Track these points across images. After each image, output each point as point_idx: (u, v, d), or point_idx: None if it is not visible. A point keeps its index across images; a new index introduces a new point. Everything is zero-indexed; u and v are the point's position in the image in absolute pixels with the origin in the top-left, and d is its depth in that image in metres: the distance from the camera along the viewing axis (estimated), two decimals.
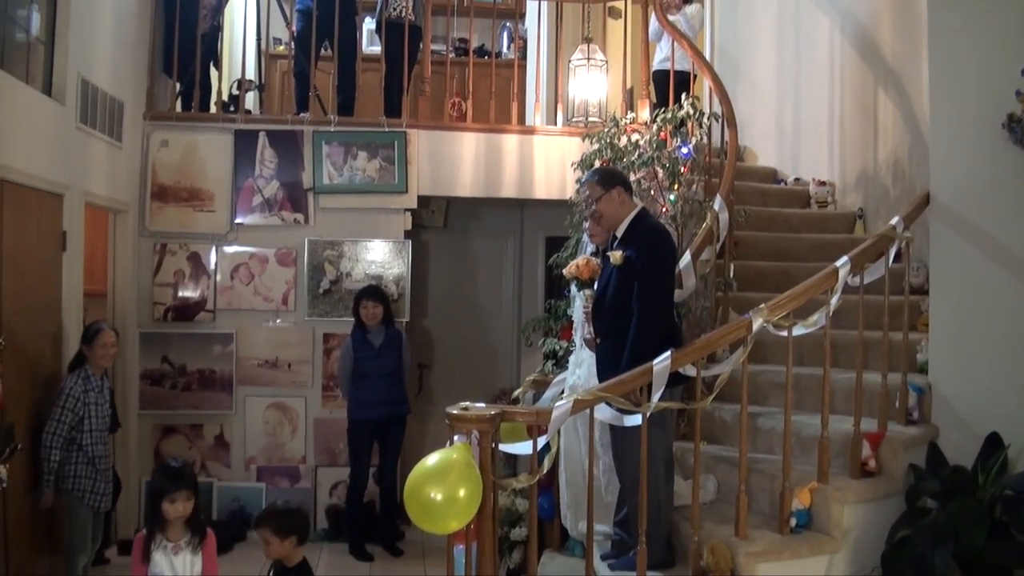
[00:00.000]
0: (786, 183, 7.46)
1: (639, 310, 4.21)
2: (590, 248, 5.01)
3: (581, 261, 4.89)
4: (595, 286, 4.64)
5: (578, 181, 6.30)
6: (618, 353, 4.25)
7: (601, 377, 4.34)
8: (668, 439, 4.43)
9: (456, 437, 3.71)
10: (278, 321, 7.31)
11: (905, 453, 4.44)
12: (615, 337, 4.33)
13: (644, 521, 3.93)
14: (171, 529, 4.06)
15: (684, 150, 5.87)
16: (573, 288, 5.06)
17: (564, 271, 5.05)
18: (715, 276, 5.64)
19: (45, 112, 5.47)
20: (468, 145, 7.52)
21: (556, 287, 6.96)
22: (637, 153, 5.96)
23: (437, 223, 8.53)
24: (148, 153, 7.16)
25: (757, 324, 4.09)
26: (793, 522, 4.18)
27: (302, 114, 7.47)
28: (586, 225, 4.69)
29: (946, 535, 3.94)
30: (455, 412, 3.73)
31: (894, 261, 4.80)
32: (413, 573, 6.32)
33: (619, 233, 4.46)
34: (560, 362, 5.79)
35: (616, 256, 4.34)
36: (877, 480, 4.37)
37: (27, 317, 5.18)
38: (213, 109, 7.44)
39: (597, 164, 6.13)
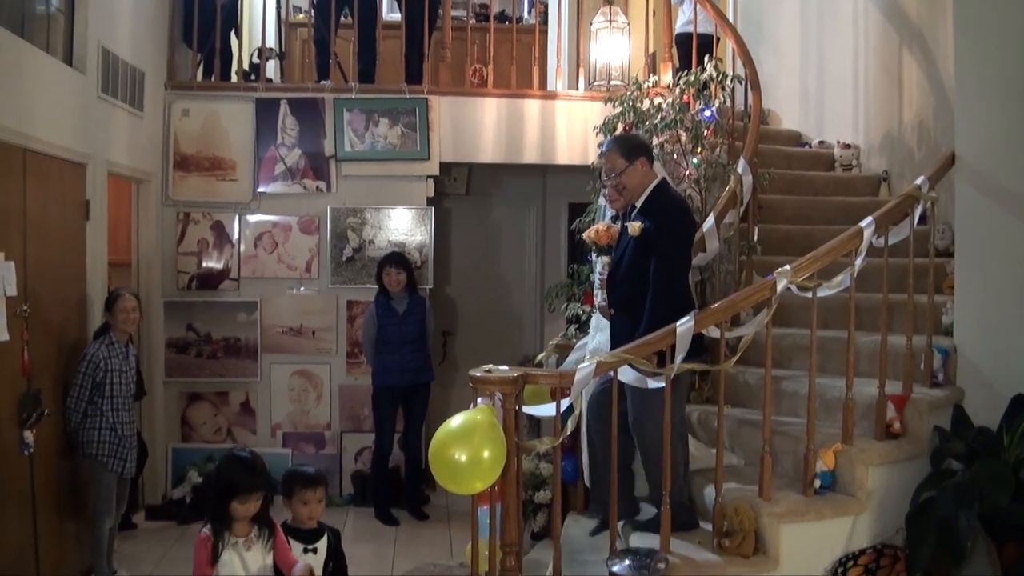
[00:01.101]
0: (810, 146, 7.40)
1: (655, 285, 4.18)
2: (609, 213, 4.97)
3: (601, 227, 4.87)
4: (612, 253, 4.61)
5: (600, 146, 6.28)
6: (631, 326, 4.23)
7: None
8: (682, 404, 4.41)
9: (479, 399, 3.72)
10: (302, 289, 7.34)
11: (930, 415, 4.41)
12: (628, 309, 4.31)
13: (668, 482, 3.94)
14: (238, 525, 3.64)
15: (707, 113, 5.84)
16: (593, 254, 5.04)
17: (584, 235, 5.02)
18: (739, 240, 5.61)
19: (66, 82, 5.48)
20: (489, 111, 7.50)
21: (579, 252, 6.96)
22: (660, 116, 5.93)
23: (459, 190, 8.52)
24: (170, 123, 7.18)
25: (781, 285, 4.06)
26: (817, 484, 4.18)
27: (323, 82, 7.47)
28: (605, 190, 4.64)
29: (971, 496, 3.92)
30: (478, 374, 3.74)
31: (919, 223, 4.75)
32: (438, 536, 6.36)
33: (638, 203, 4.40)
34: (583, 326, 5.79)
35: (634, 227, 4.30)
36: (902, 442, 4.35)
37: (52, 286, 5.22)
38: (234, 78, 7.44)
39: (620, 128, 6.10)
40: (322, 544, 4.00)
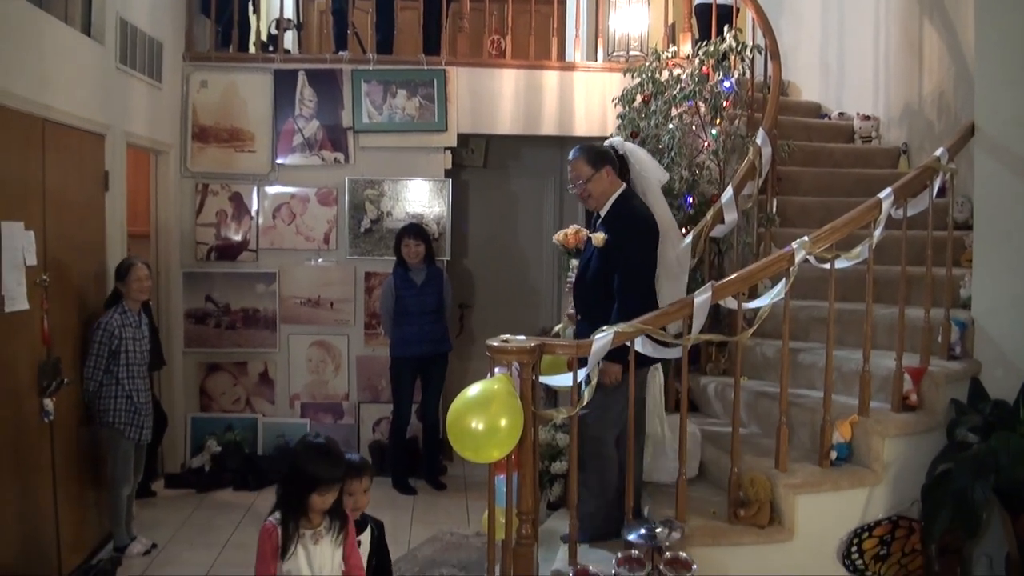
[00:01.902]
0: (830, 118, 7.35)
1: (620, 298, 4.17)
2: None
3: (570, 230, 4.88)
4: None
5: (620, 117, 6.27)
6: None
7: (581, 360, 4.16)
8: (625, 410, 4.23)
9: (497, 369, 3.74)
10: (320, 260, 7.37)
11: (947, 388, 4.40)
12: (592, 319, 4.28)
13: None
14: (308, 517, 3.34)
15: (726, 84, 5.81)
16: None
17: (554, 237, 5.03)
18: (757, 212, 5.60)
19: (85, 52, 5.50)
20: (507, 82, 7.48)
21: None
22: (679, 87, 5.91)
23: (477, 163, 8.50)
24: (188, 94, 7.19)
25: (800, 256, 4.06)
26: (833, 455, 4.19)
27: (341, 53, 7.46)
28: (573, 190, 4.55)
29: (987, 468, 3.91)
30: (496, 344, 3.75)
31: (938, 196, 4.72)
32: (455, 506, 6.41)
33: (603, 212, 4.42)
34: None
35: (598, 238, 4.30)
36: (918, 414, 4.34)
37: (71, 256, 5.26)
38: (252, 49, 7.44)
39: (639, 99, 6.08)
40: (365, 537, 3.80)
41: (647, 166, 4.52)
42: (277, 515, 3.31)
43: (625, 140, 5.95)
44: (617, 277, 4.20)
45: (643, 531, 3.76)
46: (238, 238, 7.30)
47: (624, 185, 4.42)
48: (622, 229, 4.27)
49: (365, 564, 3.69)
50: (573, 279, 4.71)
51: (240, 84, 7.26)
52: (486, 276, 8.57)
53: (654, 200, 4.45)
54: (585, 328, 4.27)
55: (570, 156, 4.46)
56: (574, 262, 4.68)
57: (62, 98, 5.10)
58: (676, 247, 4.58)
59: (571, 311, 4.78)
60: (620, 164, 4.45)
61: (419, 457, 7.10)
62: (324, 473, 3.27)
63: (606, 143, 4.60)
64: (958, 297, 4.86)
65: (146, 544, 5.55)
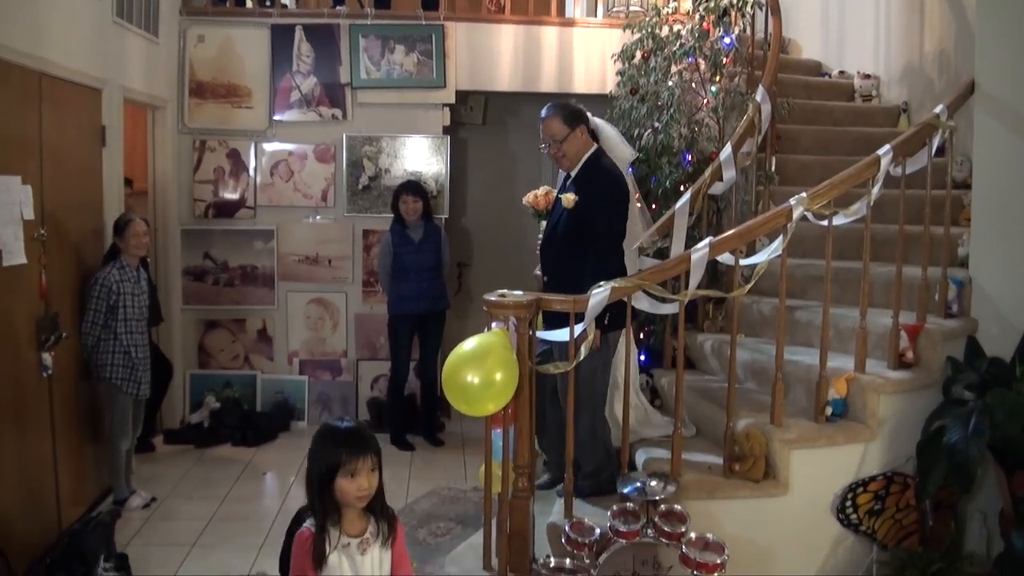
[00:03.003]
0: (830, 76, 7.31)
1: (590, 261, 4.16)
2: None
3: (540, 192, 4.84)
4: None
5: (619, 74, 6.24)
6: None
7: (548, 323, 4.16)
8: (607, 371, 4.36)
9: (494, 324, 3.75)
10: (318, 218, 7.36)
11: (943, 345, 4.42)
12: (559, 280, 4.29)
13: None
14: (349, 519, 2.81)
15: (726, 40, 5.78)
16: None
17: (524, 200, 4.99)
18: (756, 169, 5.58)
19: (81, 6, 5.45)
20: (506, 38, 7.43)
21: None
22: (679, 43, 5.88)
23: (476, 120, 8.46)
24: (185, 49, 7.15)
25: (798, 212, 4.05)
26: (829, 411, 4.21)
27: (338, 7, 7.41)
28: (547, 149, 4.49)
29: (982, 425, 3.90)
30: (492, 299, 3.76)
31: (937, 155, 4.70)
32: (453, 462, 6.44)
33: (573, 172, 4.40)
34: None
35: (568, 199, 4.28)
36: (914, 371, 4.36)
37: (69, 211, 5.23)
38: (249, 3, 7.38)
39: (638, 56, 6.05)
40: None
41: (615, 142, 4.53)
42: (312, 520, 2.81)
43: (628, 94, 5.95)
44: (589, 238, 4.19)
45: (638, 484, 3.79)
46: (236, 195, 7.28)
47: (595, 145, 4.40)
48: (594, 191, 4.25)
49: None
50: (541, 241, 4.68)
51: (237, 39, 7.21)
52: (485, 234, 8.54)
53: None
54: (553, 290, 4.25)
55: (543, 114, 4.40)
56: (543, 224, 4.63)
57: (59, 52, 5.06)
58: (637, 225, 4.57)
59: (538, 272, 4.76)
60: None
61: (417, 414, 7.13)
62: (341, 449, 2.75)
63: None
64: (956, 256, 4.87)
65: (145, 498, 5.59)
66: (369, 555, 2.83)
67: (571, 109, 4.40)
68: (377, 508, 2.86)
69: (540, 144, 4.50)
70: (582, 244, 4.18)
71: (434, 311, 6.88)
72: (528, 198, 4.88)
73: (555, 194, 4.70)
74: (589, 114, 4.50)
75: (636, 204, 4.62)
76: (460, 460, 6.45)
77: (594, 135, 4.43)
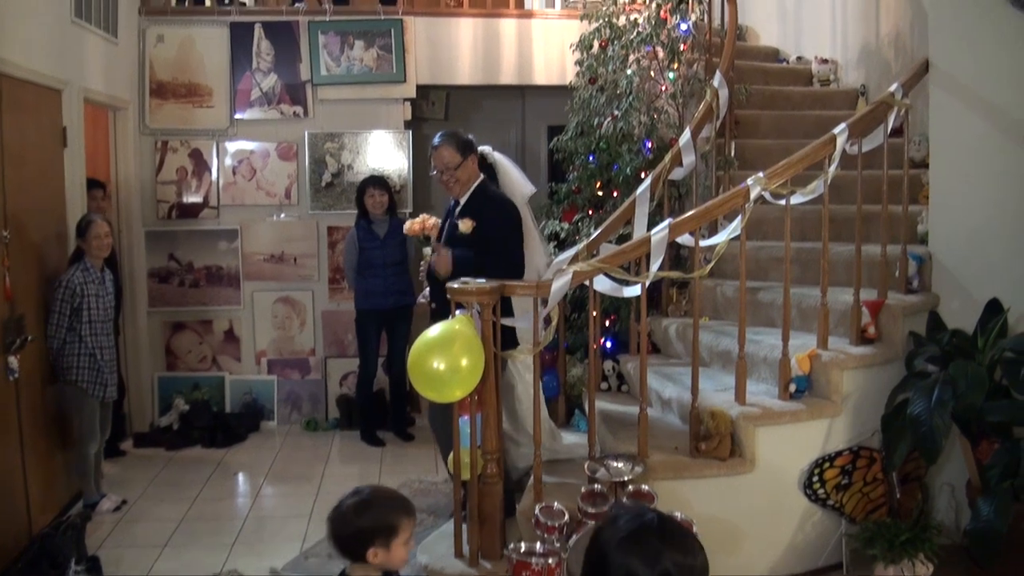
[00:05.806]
0: (788, 62, 7.38)
1: (496, 275, 4.10)
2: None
3: (419, 220, 4.88)
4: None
5: (578, 63, 6.26)
6: None
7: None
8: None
9: (458, 311, 3.76)
10: (282, 216, 7.34)
11: (905, 320, 4.48)
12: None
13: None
14: None
15: (683, 27, 5.81)
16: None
17: (404, 227, 5.04)
18: (716, 154, 5.62)
19: (40, 5, 5.40)
20: (466, 31, 7.44)
21: (558, 173, 6.95)
22: (636, 32, 5.91)
23: (438, 115, 8.44)
24: (145, 49, 7.11)
25: (755, 192, 4.09)
26: (793, 388, 4.25)
27: (297, 4, 7.39)
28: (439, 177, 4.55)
29: (945, 396, 3.95)
30: (456, 286, 3.78)
31: (895, 135, 4.76)
32: (423, 455, 6.44)
33: (462, 200, 4.47)
34: (562, 244, 5.83)
35: (467, 224, 4.34)
36: (877, 347, 4.42)
37: (32, 213, 5.19)
38: (208, 2, 7.34)
39: (596, 45, 6.08)
40: None
41: (514, 177, 4.64)
42: None
43: (588, 84, 5.99)
44: (490, 256, 4.23)
45: (606, 467, 3.81)
46: (199, 195, 7.25)
47: (482, 176, 4.51)
48: (489, 213, 4.35)
49: None
50: (422, 268, 4.71)
51: (197, 38, 7.18)
52: None
53: (521, 210, 4.53)
54: (444, 317, 4.11)
55: (435, 142, 4.47)
56: (427, 250, 4.66)
57: (18, 52, 5.01)
58: (538, 257, 4.68)
59: (424, 298, 4.83)
60: (488, 173, 4.55)
61: (387, 409, 7.13)
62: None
63: (479, 150, 4.62)
64: (916, 233, 4.93)
65: (116, 501, 5.55)
66: None
67: (463, 139, 4.49)
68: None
69: (432, 171, 4.55)
70: (480, 269, 4.10)
71: (401, 306, 6.86)
72: (409, 226, 4.89)
73: (434, 221, 4.81)
74: (489, 147, 4.68)
75: (534, 236, 4.72)
76: (431, 454, 6.44)
77: (491, 168, 4.55)
